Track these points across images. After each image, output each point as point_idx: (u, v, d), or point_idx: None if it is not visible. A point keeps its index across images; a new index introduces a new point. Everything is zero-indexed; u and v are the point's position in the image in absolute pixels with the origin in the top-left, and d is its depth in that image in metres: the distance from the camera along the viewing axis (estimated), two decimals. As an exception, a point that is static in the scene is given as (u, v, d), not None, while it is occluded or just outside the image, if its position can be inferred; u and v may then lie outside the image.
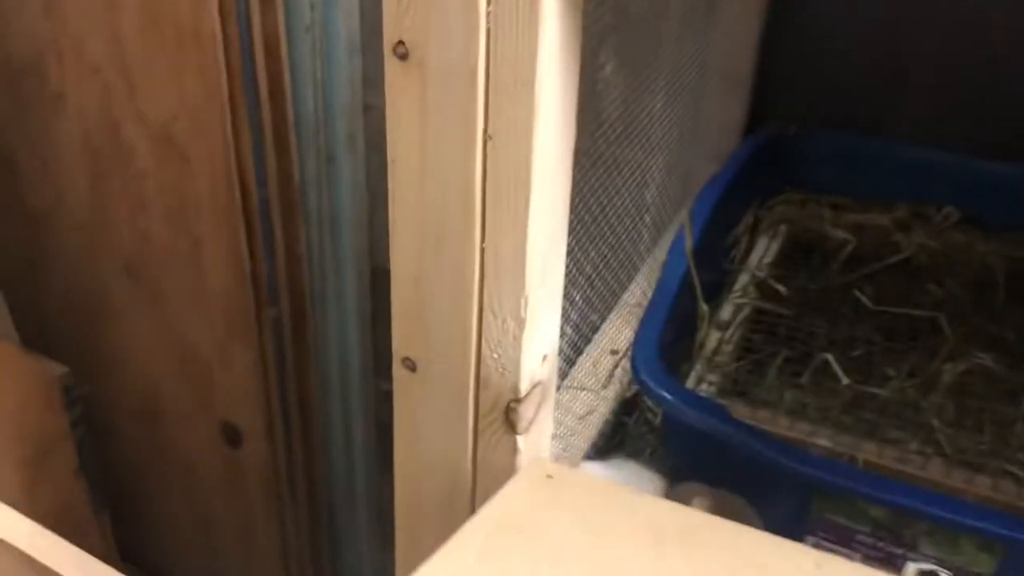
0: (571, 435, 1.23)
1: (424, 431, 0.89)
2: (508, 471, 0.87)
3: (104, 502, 1.84)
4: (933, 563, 1.14)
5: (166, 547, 1.97)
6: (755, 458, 1.17)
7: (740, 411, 1.25)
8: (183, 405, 1.75)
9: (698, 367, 1.33)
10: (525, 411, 0.85)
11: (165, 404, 1.78)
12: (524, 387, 0.84)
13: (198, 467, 1.81)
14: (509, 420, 0.85)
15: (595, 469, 1.17)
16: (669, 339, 1.33)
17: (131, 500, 1.95)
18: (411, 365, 0.87)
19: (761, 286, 1.48)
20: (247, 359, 1.61)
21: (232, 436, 1.71)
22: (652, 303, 1.33)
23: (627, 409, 1.33)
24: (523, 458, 0.87)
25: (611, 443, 1.30)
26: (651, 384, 1.19)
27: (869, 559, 1.18)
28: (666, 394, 1.17)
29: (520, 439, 0.86)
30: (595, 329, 1.41)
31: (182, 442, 1.80)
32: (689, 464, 1.28)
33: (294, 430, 1.68)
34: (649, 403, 1.30)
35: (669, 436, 1.29)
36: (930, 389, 1.32)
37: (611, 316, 1.45)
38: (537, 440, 0.90)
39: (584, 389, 1.32)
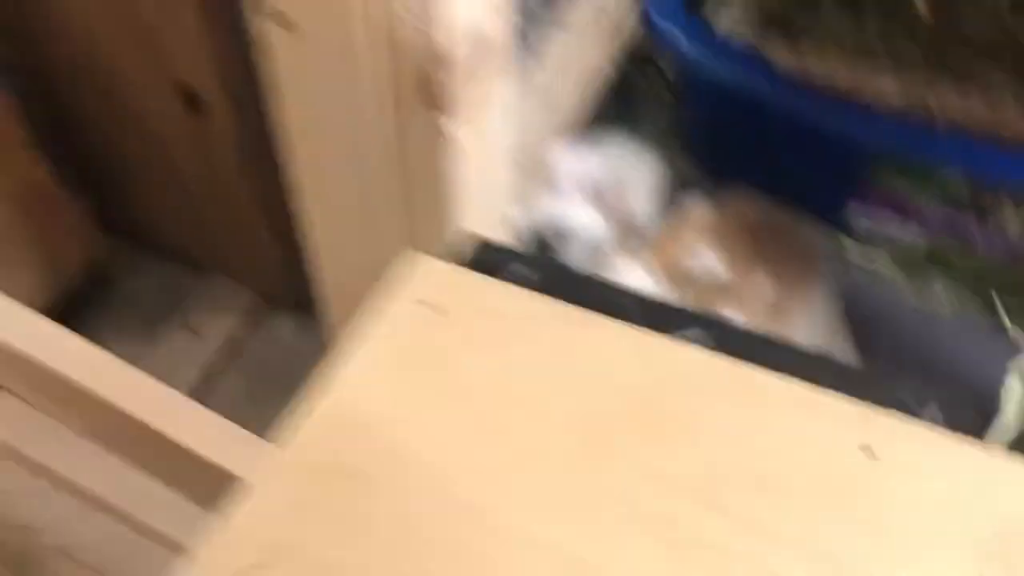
0: (547, 107, 0.96)
1: (317, 113, 0.64)
2: (441, 178, 0.63)
3: (77, 182, 1.70)
4: (1016, 232, 0.91)
5: (151, 218, 1.85)
6: (797, 118, 0.91)
7: (778, 50, 0.97)
8: (134, 71, 1.53)
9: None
10: (457, 84, 0.60)
11: (116, 73, 1.56)
12: (454, 48, 0.58)
13: (165, 139, 1.62)
14: (429, 97, 0.59)
15: (581, 155, 0.91)
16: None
17: (107, 179, 1.80)
18: (285, 22, 0.60)
19: None
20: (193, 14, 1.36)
21: (192, 101, 1.50)
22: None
23: (636, 63, 1.05)
24: (463, 154, 0.63)
25: (612, 113, 1.04)
26: (661, 26, 0.91)
27: (935, 234, 0.94)
28: (682, 39, 0.90)
29: (455, 124, 0.61)
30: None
31: (140, 110, 1.60)
32: (710, 139, 1.02)
33: (259, 94, 1.45)
34: (660, 52, 1.01)
35: (687, 97, 1.02)
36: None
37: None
38: (483, 126, 0.64)
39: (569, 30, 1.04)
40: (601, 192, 1.02)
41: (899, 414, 0.56)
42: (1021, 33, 1.01)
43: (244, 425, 0.82)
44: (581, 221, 1.02)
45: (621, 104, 1.08)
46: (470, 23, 0.60)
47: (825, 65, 0.97)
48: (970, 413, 0.57)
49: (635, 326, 0.58)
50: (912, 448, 0.56)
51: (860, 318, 0.96)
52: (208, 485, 0.79)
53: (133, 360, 0.90)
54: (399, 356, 0.57)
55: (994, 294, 0.98)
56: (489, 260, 0.63)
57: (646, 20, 0.93)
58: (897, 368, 0.93)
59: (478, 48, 0.62)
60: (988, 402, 0.85)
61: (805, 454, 0.54)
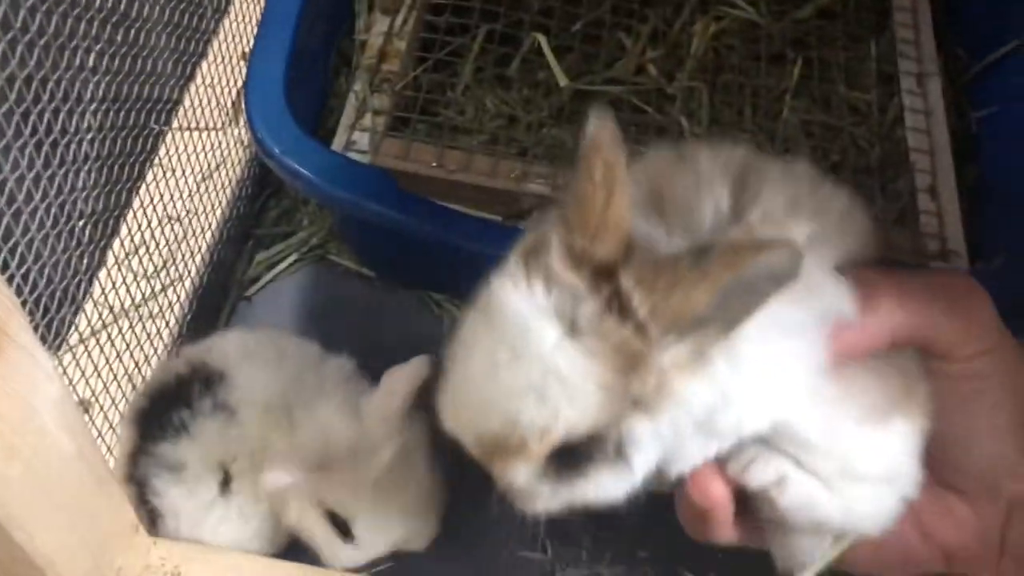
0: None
1: None
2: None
3: None
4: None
5: None
6: (438, 241, 0.82)
7: (422, 156, 0.88)
8: None
9: (358, 87, 0.92)
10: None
11: None
12: None
13: None
14: None
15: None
16: (314, 52, 0.92)
17: None
18: None
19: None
20: None
21: None
22: (270, 6, 0.90)
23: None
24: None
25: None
26: (271, 146, 0.80)
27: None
28: (296, 164, 0.79)
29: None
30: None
31: None
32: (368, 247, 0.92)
33: None
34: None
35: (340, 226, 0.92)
36: (677, 65, 0.95)
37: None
38: None
39: (200, 129, 0.92)
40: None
41: None
42: (661, 80, 0.95)
43: None
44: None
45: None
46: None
47: (467, 162, 0.88)
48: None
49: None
50: None
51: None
52: None
53: None
54: None
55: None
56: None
57: (253, 133, 0.82)
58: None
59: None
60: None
61: None
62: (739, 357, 0.46)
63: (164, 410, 0.73)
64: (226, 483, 0.74)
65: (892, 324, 0.51)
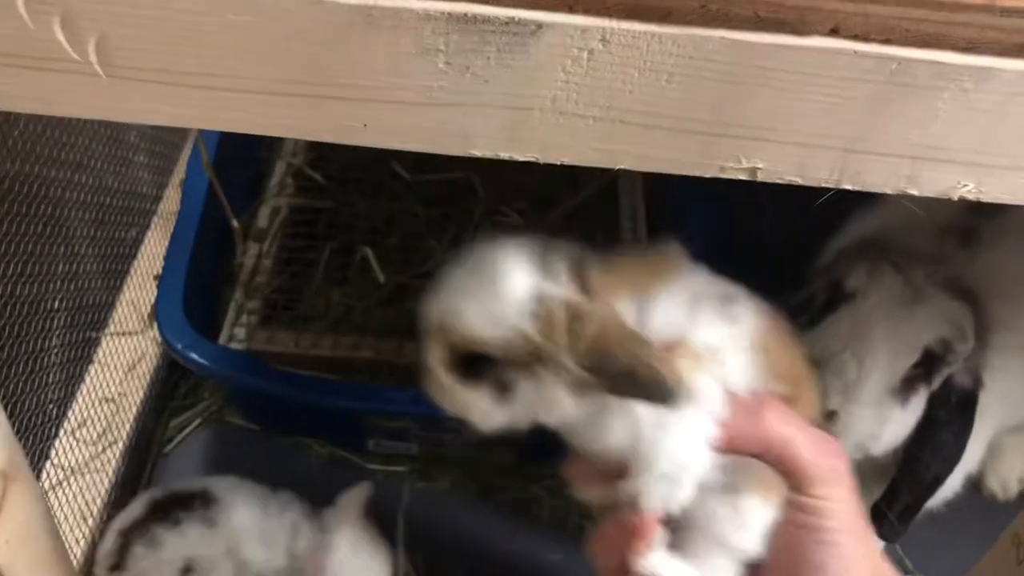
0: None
1: None
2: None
3: None
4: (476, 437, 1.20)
5: None
6: (298, 400, 1.18)
7: (283, 340, 1.25)
8: None
9: (238, 295, 1.30)
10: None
11: None
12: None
13: None
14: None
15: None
16: (203, 269, 1.29)
17: None
18: None
19: (298, 175, 1.44)
20: None
21: None
22: (173, 242, 1.27)
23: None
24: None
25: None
26: (175, 345, 1.16)
27: (424, 443, 1.24)
28: (194, 355, 1.15)
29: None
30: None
31: None
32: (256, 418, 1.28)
33: None
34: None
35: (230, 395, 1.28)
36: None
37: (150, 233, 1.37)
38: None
39: (125, 334, 1.27)
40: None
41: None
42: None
43: None
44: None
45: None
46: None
47: (315, 341, 1.25)
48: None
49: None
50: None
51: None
52: None
53: None
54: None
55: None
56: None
57: (163, 336, 1.17)
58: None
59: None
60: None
61: None
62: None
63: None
64: None
65: (768, 432, 0.58)
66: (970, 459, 0.98)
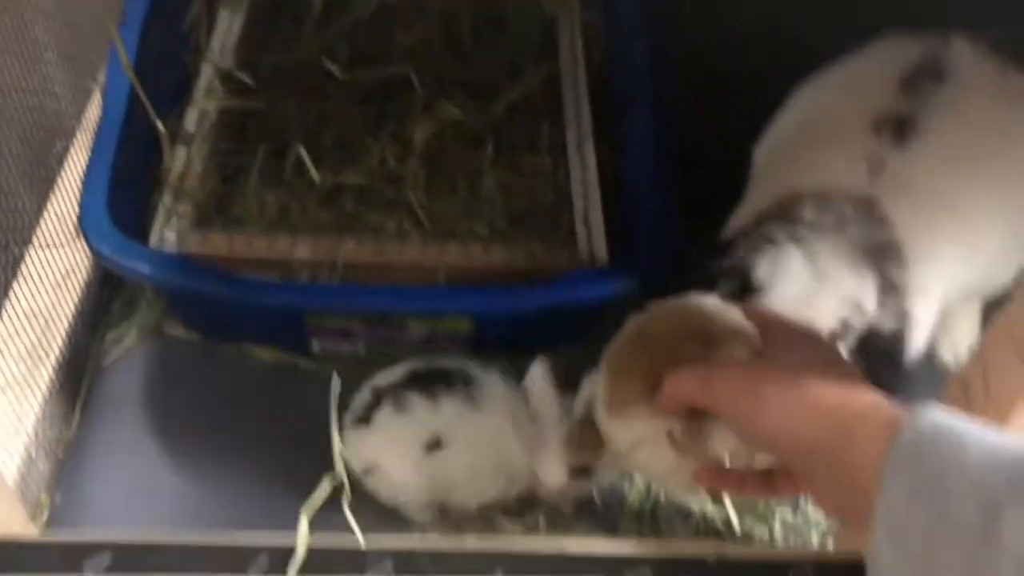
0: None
1: None
2: None
3: None
4: (423, 334, 1.18)
5: None
6: (237, 302, 1.14)
7: (216, 242, 1.20)
8: None
9: (167, 199, 1.24)
10: None
11: None
12: None
13: None
14: None
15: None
16: (129, 176, 1.24)
17: None
18: None
19: (227, 79, 1.38)
20: None
21: None
22: (95, 147, 1.22)
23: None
24: None
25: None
26: (101, 250, 1.11)
27: (371, 343, 1.21)
28: (119, 259, 1.10)
29: None
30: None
31: None
32: (186, 320, 1.24)
33: None
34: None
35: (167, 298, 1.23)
36: (407, 155, 1.30)
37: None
38: None
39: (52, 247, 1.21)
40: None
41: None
42: (398, 169, 1.28)
43: None
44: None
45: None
46: None
47: (249, 243, 1.20)
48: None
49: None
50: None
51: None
52: None
53: None
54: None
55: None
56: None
57: (88, 243, 1.12)
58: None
59: None
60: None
61: None
62: None
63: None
64: None
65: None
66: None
